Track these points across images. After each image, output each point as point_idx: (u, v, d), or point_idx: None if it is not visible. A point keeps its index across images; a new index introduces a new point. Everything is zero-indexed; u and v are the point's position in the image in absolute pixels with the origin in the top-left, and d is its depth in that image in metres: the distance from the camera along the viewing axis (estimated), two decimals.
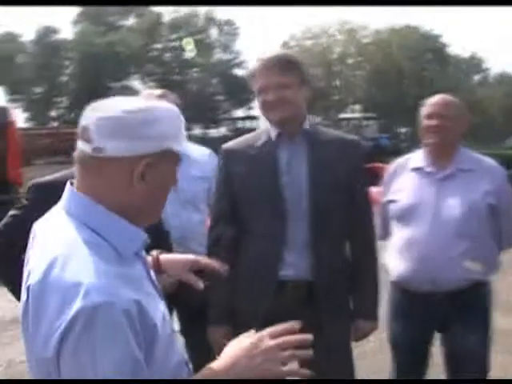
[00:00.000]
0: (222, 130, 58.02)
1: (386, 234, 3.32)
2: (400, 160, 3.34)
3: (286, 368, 1.40)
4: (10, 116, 10.55)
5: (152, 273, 1.58)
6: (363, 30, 55.18)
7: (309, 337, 1.44)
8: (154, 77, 57.63)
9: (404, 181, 3.20)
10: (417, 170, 3.18)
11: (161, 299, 1.52)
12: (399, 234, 3.15)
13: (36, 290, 1.31)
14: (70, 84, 53.60)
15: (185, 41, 51.01)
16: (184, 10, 57.13)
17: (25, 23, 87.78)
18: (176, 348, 1.51)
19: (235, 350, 1.43)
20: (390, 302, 3.28)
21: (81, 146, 1.42)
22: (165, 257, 1.91)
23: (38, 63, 51.82)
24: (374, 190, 3.01)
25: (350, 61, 56.01)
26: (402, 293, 3.18)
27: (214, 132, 58.42)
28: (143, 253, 1.55)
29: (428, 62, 53.72)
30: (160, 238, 2.34)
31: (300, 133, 2.72)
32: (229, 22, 60.85)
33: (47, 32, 53.88)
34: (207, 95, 58.40)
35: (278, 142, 2.72)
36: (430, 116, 3.09)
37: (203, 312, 2.84)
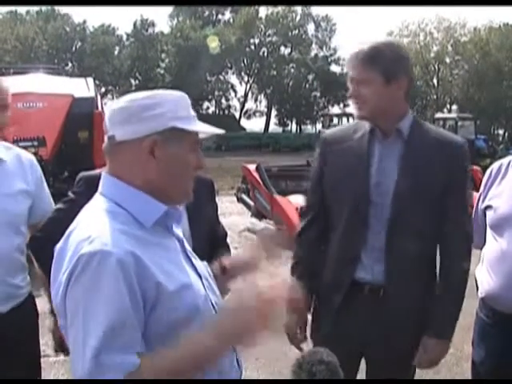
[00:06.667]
0: (317, 127, 58.32)
1: (480, 243, 3.02)
2: (502, 162, 3.03)
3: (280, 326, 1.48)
4: (98, 107, 9.80)
5: (190, 252, 1.76)
6: (461, 28, 55.80)
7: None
8: (250, 71, 58.27)
9: (504, 186, 2.91)
10: None
11: (199, 277, 1.69)
12: (492, 245, 2.89)
13: (59, 249, 1.54)
14: (165, 77, 54.68)
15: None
16: (281, 6, 57.50)
17: (122, 16, 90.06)
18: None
19: (228, 304, 1.54)
20: (476, 321, 3.02)
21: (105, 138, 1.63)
22: (226, 261, 1.99)
23: (134, 56, 52.86)
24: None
25: (447, 60, 56.74)
26: (488, 311, 2.91)
27: (308, 128, 59.06)
28: (176, 231, 1.72)
29: None
30: (218, 243, 2.69)
31: (394, 131, 2.58)
32: (326, 18, 61.15)
33: (144, 25, 55.00)
34: (303, 91, 58.23)
35: (371, 137, 2.60)
36: None
37: None
